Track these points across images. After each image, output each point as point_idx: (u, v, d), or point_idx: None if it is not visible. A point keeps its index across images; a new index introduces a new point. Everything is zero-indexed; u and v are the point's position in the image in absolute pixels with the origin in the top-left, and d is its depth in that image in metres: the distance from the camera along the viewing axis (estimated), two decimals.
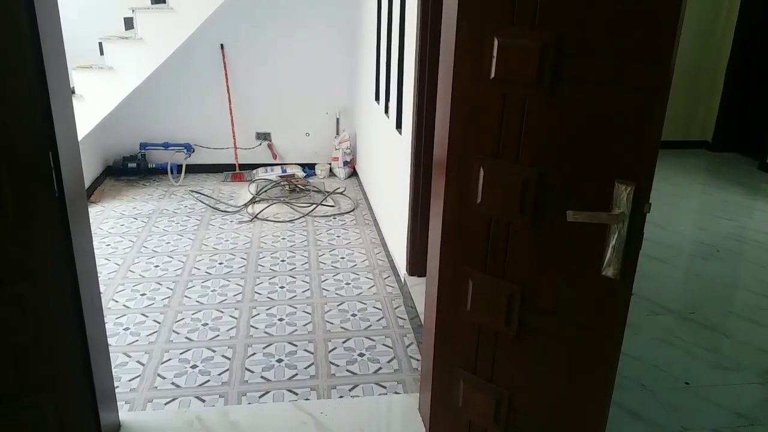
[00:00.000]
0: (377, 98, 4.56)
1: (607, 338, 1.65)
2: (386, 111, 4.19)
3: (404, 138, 3.56)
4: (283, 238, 4.36)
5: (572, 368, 1.73)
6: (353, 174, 5.88)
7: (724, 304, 3.41)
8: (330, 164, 5.91)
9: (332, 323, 3.22)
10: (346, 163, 5.79)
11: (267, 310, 3.35)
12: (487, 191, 1.75)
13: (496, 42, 1.63)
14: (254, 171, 5.75)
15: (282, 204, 4.99)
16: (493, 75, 1.65)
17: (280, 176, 5.48)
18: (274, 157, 5.92)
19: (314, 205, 4.93)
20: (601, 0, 1.45)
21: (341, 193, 5.33)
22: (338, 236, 4.43)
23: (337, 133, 5.93)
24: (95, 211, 4.78)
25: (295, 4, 5.50)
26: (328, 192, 5.28)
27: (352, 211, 4.94)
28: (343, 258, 4.05)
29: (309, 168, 5.90)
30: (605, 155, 1.53)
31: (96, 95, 4.53)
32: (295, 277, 3.75)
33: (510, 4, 1.59)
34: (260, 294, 3.53)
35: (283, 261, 3.99)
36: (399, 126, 3.77)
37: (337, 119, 5.93)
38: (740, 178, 5.76)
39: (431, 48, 3.15)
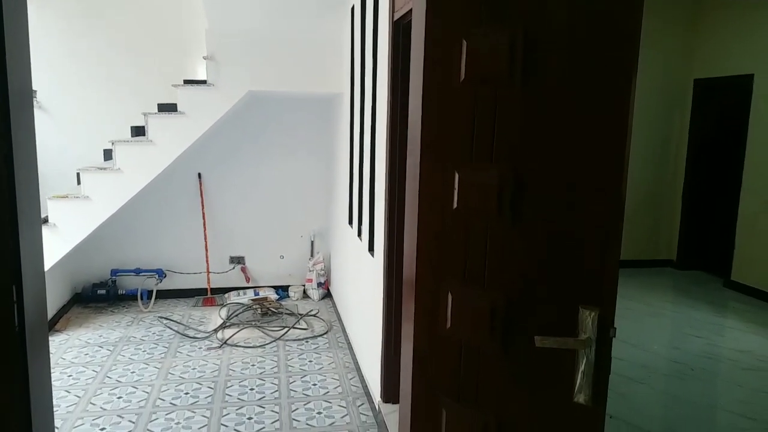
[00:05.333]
0: (350, 221, 4.66)
1: None
2: (359, 234, 4.27)
3: (377, 261, 3.61)
4: (253, 365, 4.23)
5: None
6: (327, 295, 5.85)
7: (704, 426, 3.35)
8: (304, 286, 5.89)
9: None
10: (320, 284, 5.78)
11: None
12: (456, 316, 1.76)
13: (457, 176, 1.72)
14: (226, 295, 5.69)
15: (253, 328, 4.89)
16: (455, 206, 1.73)
17: (252, 299, 5.43)
18: (247, 280, 5.89)
19: (286, 329, 4.84)
20: (554, 136, 1.57)
21: (314, 316, 5.26)
22: (310, 361, 4.31)
23: (312, 255, 5.97)
24: (59, 340, 4.62)
25: (271, 131, 5.76)
26: (300, 314, 5.21)
27: (325, 333, 4.86)
28: (314, 384, 3.92)
29: (282, 290, 5.87)
30: (568, 280, 1.57)
31: (69, 224, 4.56)
32: (263, 407, 3.60)
33: (468, 142, 1.70)
34: (226, 426, 3.36)
35: (252, 389, 3.84)
36: (371, 249, 3.83)
37: (312, 241, 6.00)
38: (707, 295, 5.88)
39: (400, 175, 3.30)
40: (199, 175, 5.69)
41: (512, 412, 1.69)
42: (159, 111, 4.82)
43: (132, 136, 5.02)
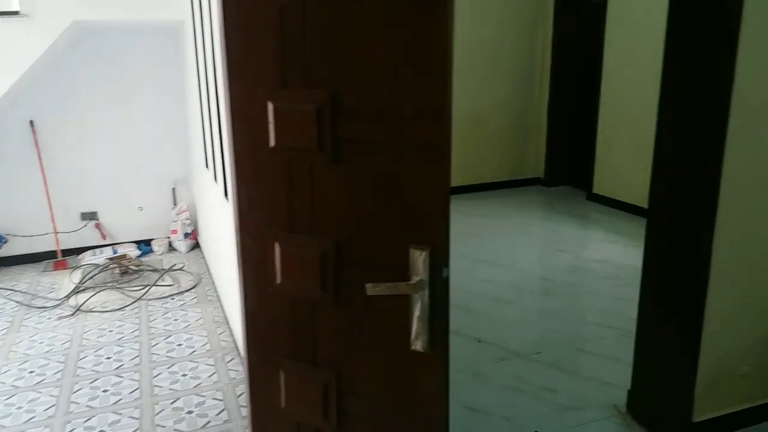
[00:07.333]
0: (207, 164, 4.28)
1: (430, 416, 1.49)
2: (215, 178, 3.93)
3: (231, 206, 3.31)
4: (111, 331, 3.86)
5: None
6: (196, 246, 5.48)
7: (567, 339, 3.48)
8: (169, 238, 5.47)
9: (164, 426, 2.81)
10: (186, 235, 5.39)
11: (85, 422, 2.87)
12: (285, 269, 1.56)
13: (271, 106, 1.47)
14: (80, 256, 5.16)
15: (111, 290, 4.47)
16: (273, 143, 1.49)
17: (109, 258, 4.95)
18: (104, 237, 5.37)
19: (147, 287, 4.47)
20: (372, 59, 1.35)
21: (181, 270, 4.91)
22: (176, 319, 4.01)
23: (175, 204, 5.53)
24: None
25: (114, 69, 5.11)
26: (164, 270, 4.84)
27: (193, 288, 4.54)
28: (180, 345, 3.65)
29: (146, 245, 5.41)
30: (397, 220, 1.40)
31: None
32: (121, 377, 3.30)
33: (280, 65, 1.44)
34: (77, 403, 3.04)
35: (108, 358, 3.51)
36: (226, 193, 3.52)
37: (173, 189, 5.54)
38: (572, 209, 6.14)
39: None
40: (32, 122, 4.98)
41: (353, 367, 1.54)
42: None
43: None
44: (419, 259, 1.36)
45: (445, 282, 1.40)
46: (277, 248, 1.56)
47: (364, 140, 1.39)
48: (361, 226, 1.45)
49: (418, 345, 1.41)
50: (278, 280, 1.57)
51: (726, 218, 2.27)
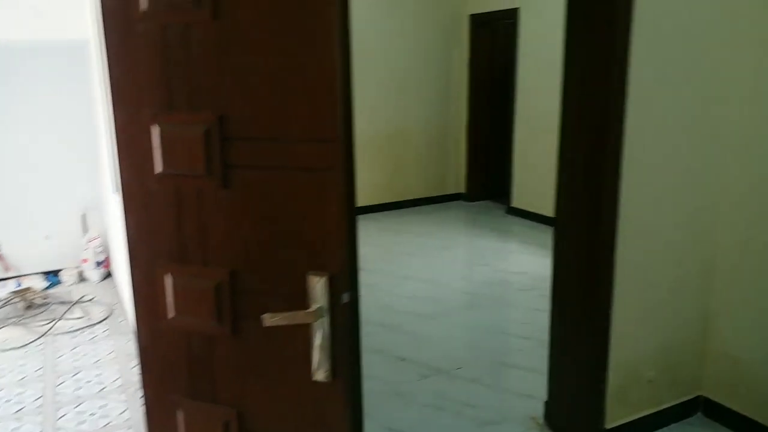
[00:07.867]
0: (116, 189, 4.09)
1: None
2: None
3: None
4: (11, 371, 3.59)
5: None
6: (109, 275, 5.21)
7: (488, 353, 3.51)
8: (79, 268, 5.17)
9: None
10: (99, 263, 5.11)
11: None
12: (178, 302, 1.48)
13: (156, 130, 1.40)
14: None
15: (13, 327, 4.17)
16: (159, 169, 1.41)
17: (12, 292, 4.62)
18: (7, 269, 5.01)
19: (54, 321, 4.19)
20: (259, 81, 1.31)
21: (91, 301, 4.64)
22: (85, 354, 3.77)
23: (85, 231, 5.24)
24: None
25: (16, 92, 4.82)
26: (72, 302, 4.56)
27: (105, 320, 4.30)
28: (89, 382, 3.43)
29: (54, 275, 5.09)
30: (294, 246, 1.36)
31: None
32: (21, 420, 3.05)
33: (164, 87, 1.38)
34: None
35: (8, 401, 3.24)
36: None
37: (84, 215, 5.25)
38: (492, 224, 6.27)
39: None
40: None
41: (255, 402, 1.47)
42: None
43: None
44: (317, 285, 1.32)
45: (347, 308, 1.36)
46: (168, 280, 1.48)
47: (255, 164, 1.35)
48: (257, 253, 1.40)
49: (320, 375, 1.37)
50: (171, 314, 1.49)
51: (627, 233, 2.36)
